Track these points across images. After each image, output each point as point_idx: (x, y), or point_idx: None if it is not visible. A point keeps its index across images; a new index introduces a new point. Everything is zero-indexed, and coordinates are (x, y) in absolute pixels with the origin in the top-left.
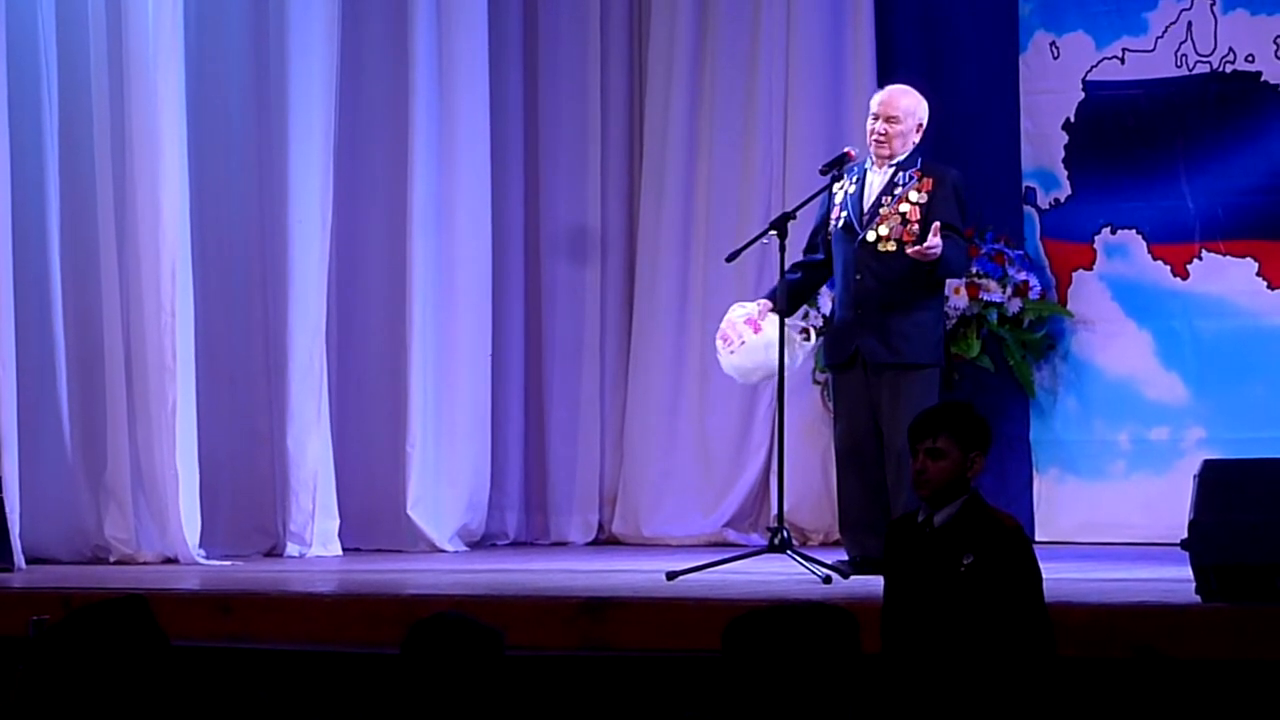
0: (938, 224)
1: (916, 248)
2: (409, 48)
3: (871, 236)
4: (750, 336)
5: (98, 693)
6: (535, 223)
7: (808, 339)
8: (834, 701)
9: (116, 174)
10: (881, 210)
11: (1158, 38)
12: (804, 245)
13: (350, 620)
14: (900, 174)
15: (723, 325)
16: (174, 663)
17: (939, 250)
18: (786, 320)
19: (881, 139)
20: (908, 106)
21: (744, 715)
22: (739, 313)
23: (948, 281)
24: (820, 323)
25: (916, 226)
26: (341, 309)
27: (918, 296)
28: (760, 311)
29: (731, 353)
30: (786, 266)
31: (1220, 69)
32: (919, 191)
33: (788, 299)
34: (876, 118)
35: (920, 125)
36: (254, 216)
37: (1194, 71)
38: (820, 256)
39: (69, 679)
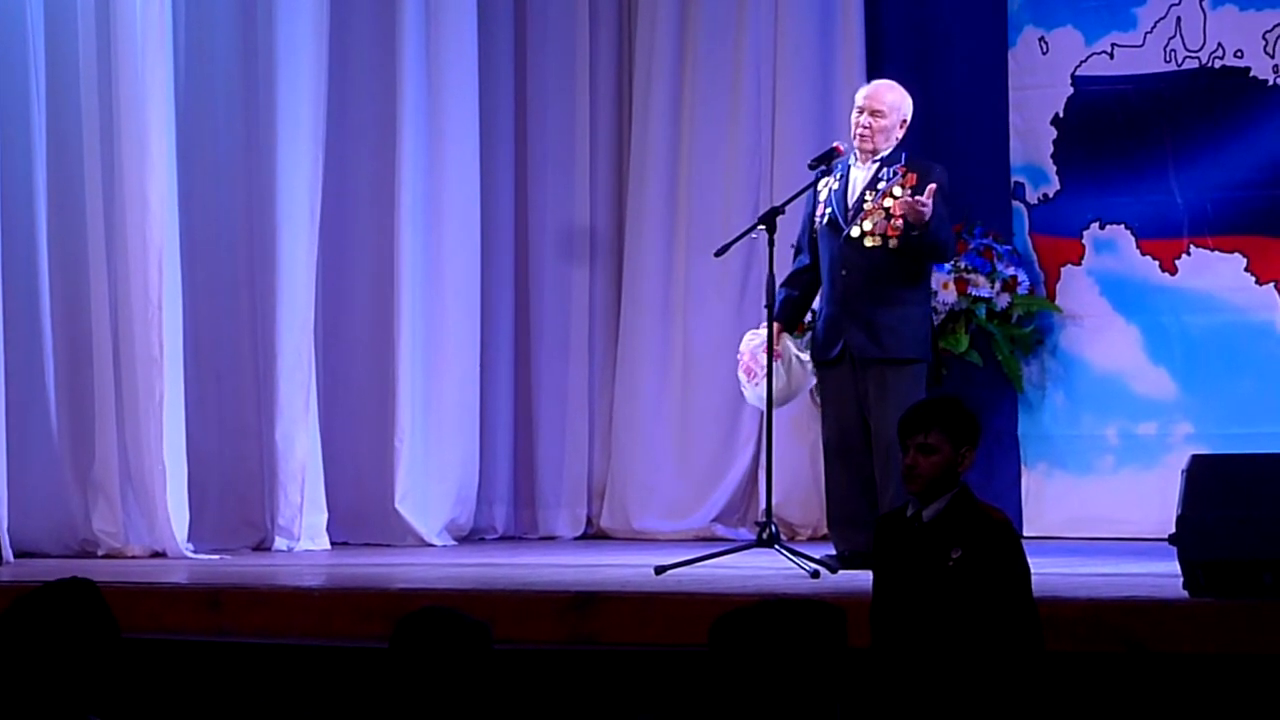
0: (933, 185)
1: (908, 200)
2: (398, 43)
3: (856, 232)
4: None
5: (47, 677)
6: (524, 219)
7: (810, 362)
8: (822, 696)
9: (105, 166)
10: (866, 206)
11: (1147, 33)
12: (792, 250)
13: (338, 614)
14: (884, 169)
15: (743, 358)
16: (123, 646)
17: (929, 210)
18: (790, 342)
19: (865, 133)
20: (892, 101)
21: (732, 711)
22: (756, 342)
23: (935, 277)
24: (809, 317)
25: (900, 222)
26: (330, 303)
27: (904, 291)
28: (776, 336)
29: (756, 385)
30: (775, 269)
31: (1209, 64)
32: (903, 187)
33: (790, 316)
34: (861, 111)
35: (904, 121)
36: (242, 210)
37: (1183, 67)
38: (807, 260)
39: (16, 664)
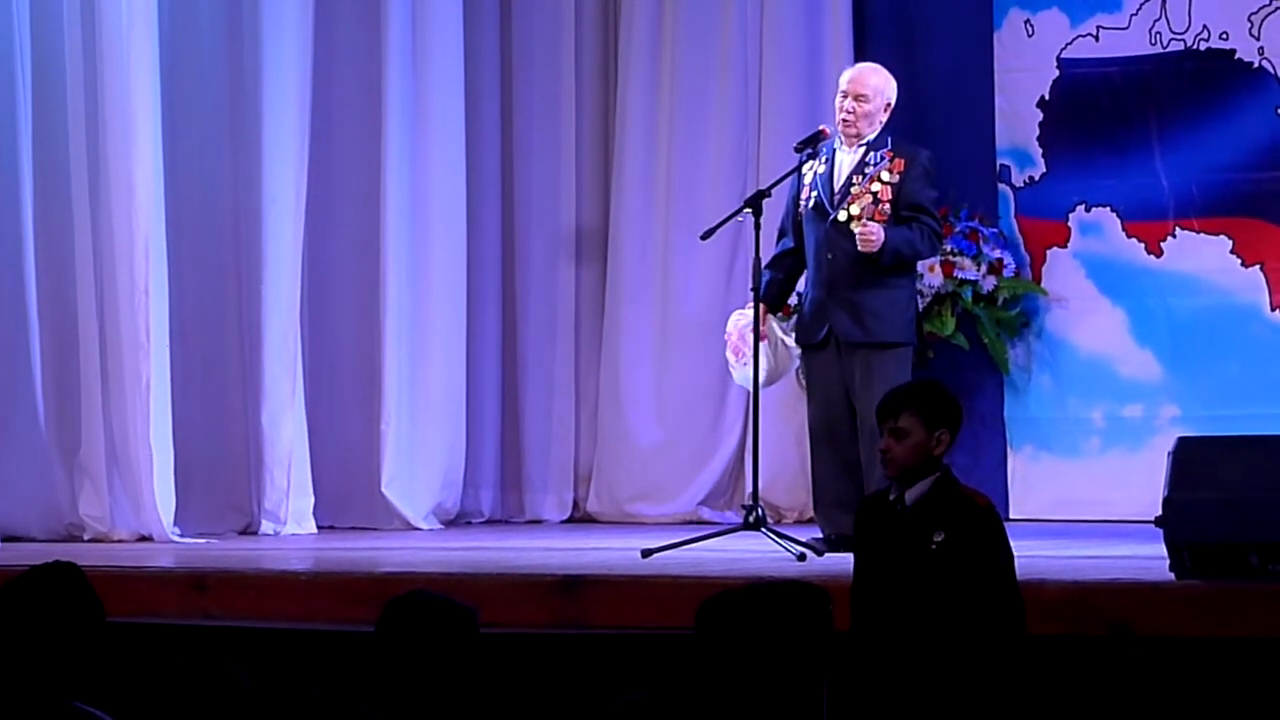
0: (868, 223)
1: (862, 231)
2: (383, 27)
3: (843, 216)
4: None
5: (31, 662)
6: (510, 204)
7: (795, 346)
8: (808, 678)
9: (90, 150)
10: (853, 190)
11: (1132, 15)
12: (776, 231)
13: (324, 598)
14: (871, 154)
15: (730, 338)
16: (108, 630)
17: (878, 238)
18: (775, 324)
19: (850, 117)
20: (876, 85)
21: (720, 693)
22: (744, 322)
23: (921, 261)
24: (795, 301)
25: (888, 206)
26: (316, 287)
27: (890, 275)
28: (762, 318)
29: (745, 365)
30: (761, 252)
31: (1194, 46)
32: (890, 172)
33: (775, 298)
34: (845, 95)
35: (889, 104)
36: (228, 194)
37: (1168, 49)
38: (791, 244)
39: (1, 650)
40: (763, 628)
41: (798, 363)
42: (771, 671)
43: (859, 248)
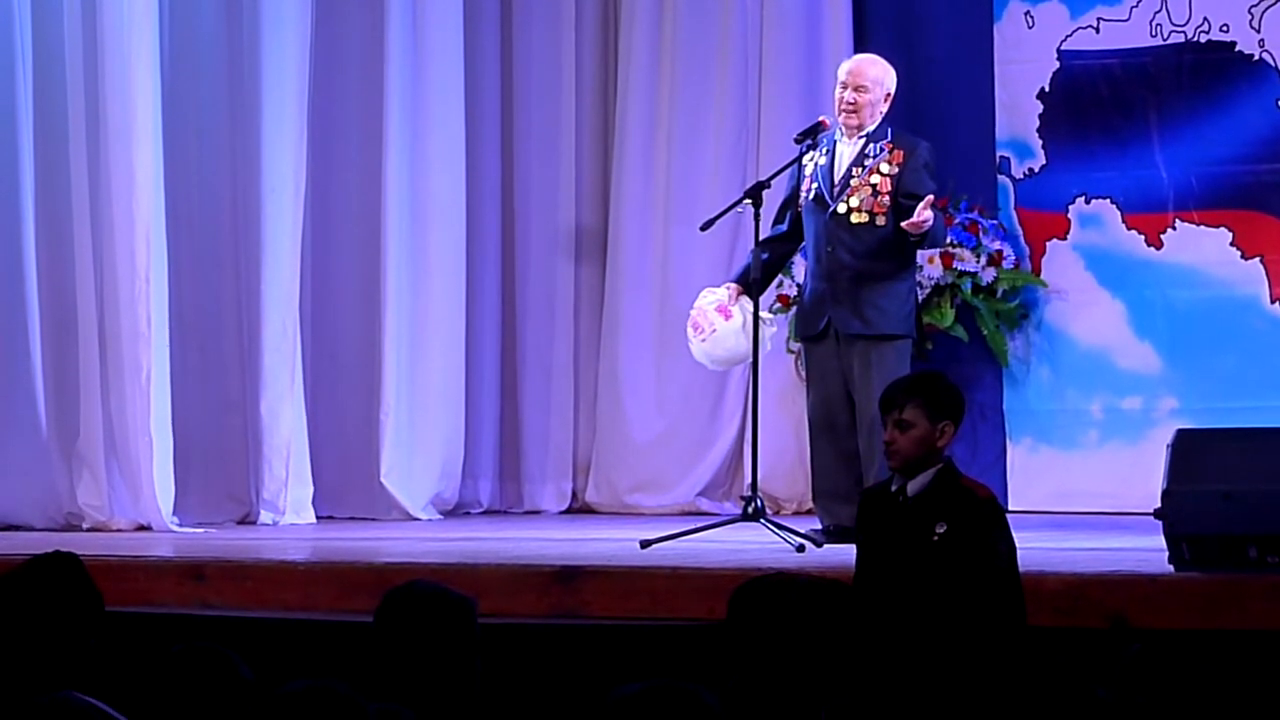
0: (930, 197)
1: (912, 221)
2: (382, 17)
3: (843, 208)
4: (721, 324)
5: (31, 652)
6: (510, 194)
7: (771, 324)
8: (831, 675)
9: (91, 139)
10: (853, 182)
11: (1132, 7)
12: (772, 218)
13: (323, 588)
14: (871, 145)
15: (693, 313)
16: (107, 620)
17: (931, 222)
18: (748, 304)
19: (850, 108)
20: (876, 76)
21: (739, 680)
22: (709, 299)
23: (920, 251)
24: (794, 292)
25: (887, 198)
26: (315, 277)
27: (890, 268)
28: (730, 296)
29: (703, 340)
30: (760, 237)
31: (1195, 39)
32: (890, 163)
33: (761, 276)
34: (845, 87)
35: (888, 95)
36: (227, 184)
37: (1168, 41)
38: (785, 228)
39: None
40: (797, 621)
41: (768, 347)
42: (795, 664)
43: (909, 231)
